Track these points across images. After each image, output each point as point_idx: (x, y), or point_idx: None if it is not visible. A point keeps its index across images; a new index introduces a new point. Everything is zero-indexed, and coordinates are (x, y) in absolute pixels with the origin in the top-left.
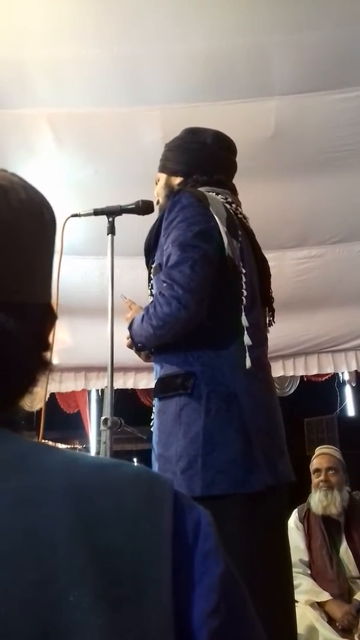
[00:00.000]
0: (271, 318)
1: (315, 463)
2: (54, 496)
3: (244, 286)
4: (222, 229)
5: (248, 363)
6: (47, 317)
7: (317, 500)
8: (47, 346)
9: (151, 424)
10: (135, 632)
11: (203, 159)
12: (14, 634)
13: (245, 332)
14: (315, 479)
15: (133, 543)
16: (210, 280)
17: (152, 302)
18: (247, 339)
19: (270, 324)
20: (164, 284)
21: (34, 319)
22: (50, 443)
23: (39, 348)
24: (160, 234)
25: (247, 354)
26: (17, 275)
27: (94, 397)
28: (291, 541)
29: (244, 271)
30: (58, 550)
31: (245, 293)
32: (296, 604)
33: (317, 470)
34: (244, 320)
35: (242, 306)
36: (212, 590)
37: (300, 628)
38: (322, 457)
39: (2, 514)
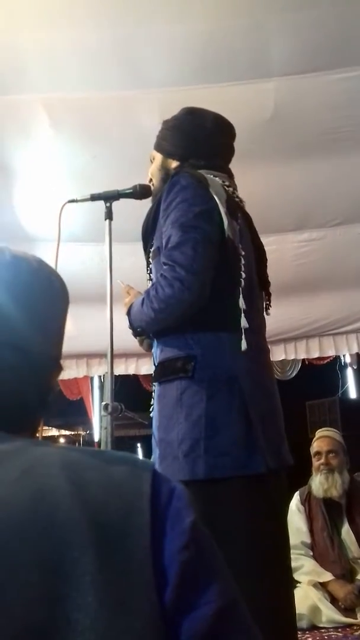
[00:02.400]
0: (268, 302)
1: (315, 446)
2: (52, 470)
3: (243, 268)
4: (222, 210)
5: (244, 345)
6: (53, 368)
7: (318, 483)
8: (51, 391)
9: (151, 409)
10: (121, 566)
11: (201, 143)
12: (26, 568)
13: (242, 315)
14: (315, 462)
15: (118, 501)
16: (212, 262)
17: (152, 284)
18: (244, 322)
19: (267, 308)
20: (165, 266)
21: (39, 366)
22: (53, 430)
23: (40, 390)
24: (158, 216)
25: (243, 337)
26: (25, 325)
27: (96, 383)
28: (293, 524)
29: (242, 253)
30: (58, 509)
31: (243, 275)
32: (299, 584)
33: (318, 453)
34: (242, 303)
35: (240, 288)
36: (183, 533)
37: (304, 608)
38: (322, 440)
39: (12, 485)
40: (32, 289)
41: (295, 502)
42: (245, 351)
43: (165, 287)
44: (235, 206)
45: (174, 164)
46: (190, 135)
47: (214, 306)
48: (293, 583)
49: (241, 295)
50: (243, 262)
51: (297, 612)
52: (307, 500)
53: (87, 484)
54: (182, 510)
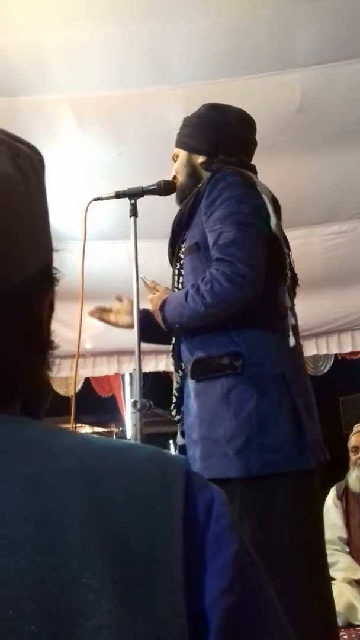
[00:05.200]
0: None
1: (353, 440)
2: (64, 480)
3: (288, 267)
4: (270, 208)
5: (292, 342)
6: (40, 287)
7: (354, 477)
8: (42, 325)
9: (172, 407)
10: (146, 612)
11: (227, 138)
12: (26, 616)
13: (289, 312)
14: (353, 457)
15: (144, 524)
16: (265, 259)
17: (203, 279)
18: (291, 319)
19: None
20: (222, 262)
21: (23, 302)
22: (65, 427)
23: (28, 326)
24: (195, 212)
25: (291, 333)
26: (11, 262)
27: (127, 380)
28: (329, 519)
29: (287, 251)
30: (69, 534)
31: (289, 273)
32: (334, 581)
33: (355, 447)
34: (287, 301)
35: (286, 286)
36: (226, 569)
37: (339, 605)
38: (359, 434)
39: (14, 501)
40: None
41: (331, 497)
42: (289, 348)
43: (224, 282)
44: (278, 205)
45: (200, 159)
46: (216, 131)
47: (259, 304)
48: (329, 572)
49: (286, 293)
50: (288, 260)
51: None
52: (344, 495)
53: (107, 500)
54: (223, 534)
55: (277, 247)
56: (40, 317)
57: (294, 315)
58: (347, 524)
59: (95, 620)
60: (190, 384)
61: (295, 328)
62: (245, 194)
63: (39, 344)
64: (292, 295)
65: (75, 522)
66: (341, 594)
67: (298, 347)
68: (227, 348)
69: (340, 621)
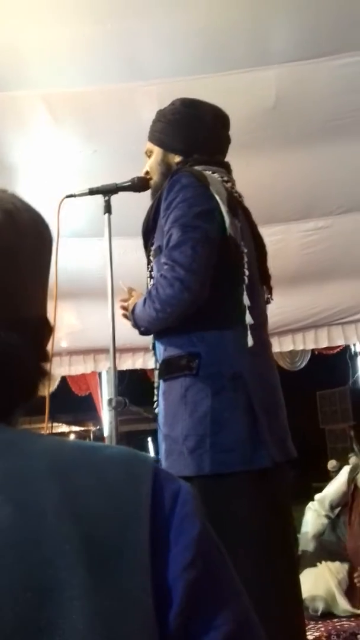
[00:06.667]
0: (269, 295)
1: None
2: (40, 474)
3: (246, 266)
4: (224, 209)
5: (250, 342)
6: (44, 328)
7: None
8: (46, 357)
9: (155, 405)
10: (114, 587)
11: (203, 137)
12: (4, 594)
13: (247, 311)
14: None
15: (113, 509)
16: (212, 261)
17: (153, 284)
18: (248, 318)
19: (268, 302)
20: (165, 266)
21: (32, 332)
22: (41, 427)
23: (38, 359)
24: (159, 215)
25: (249, 333)
26: (19, 294)
27: (104, 378)
28: (334, 484)
29: (245, 250)
30: (45, 520)
31: (247, 273)
32: (319, 564)
33: None
34: (246, 300)
35: (244, 285)
36: (189, 547)
37: (320, 589)
38: None
39: None
40: (11, 241)
41: (343, 476)
42: (250, 347)
43: (166, 287)
44: (236, 203)
45: (177, 158)
46: (192, 130)
47: (217, 304)
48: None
49: (245, 293)
50: (245, 259)
51: (313, 593)
52: (353, 481)
53: (78, 491)
54: (187, 518)
55: (233, 247)
56: (46, 351)
57: (259, 313)
58: (350, 507)
59: (68, 593)
60: (160, 383)
61: (256, 327)
62: (196, 195)
63: (43, 370)
64: (261, 293)
65: (49, 508)
66: (323, 578)
67: (261, 345)
68: (186, 349)
69: (320, 606)
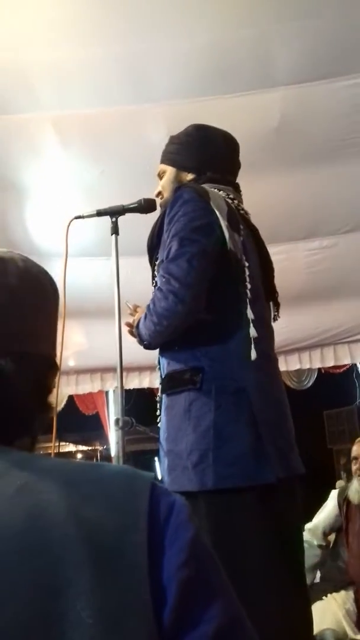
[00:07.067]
0: (276, 313)
1: (353, 450)
2: (50, 486)
3: (248, 279)
4: (223, 223)
5: (253, 355)
6: (48, 367)
7: (354, 490)
8: (49, 392)
9: (158, 420)
10: (116, 584)
11: (215, 158)
12: (18, 590)
13: (251, 325)
14: (353, 467)
15: (114, 517)
16: (208, 275)
17: (152, 298)
18: (252, 331)
19: (275, 319)
20: (162, 278)
21: (34, 368)
22: (48, 445)
23: (38, 393)
24: (163, 230)
25: (253, 346)
26: (16, 329)
27: (111, 397)
28: (324, 510)
29: (247, 264)
30: (54, 525)
31: (249, 286)
32: (324, 597)
33: (355, 458)
34: (249, 313)
35: (247, 299)
36: (182, 550)
37: (327, 623)
38: (358, 444)
39: (6, 502)
40: (21, 290)
41: (332, 500)
42: (254, 361)
43: (161, 300)
44: (238, 219)
45: (189, 176)
46: (204, 149)
47: (220, 318)
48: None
49: (248, 306)
50: (248, 273)
51: (322, 627)
52: (345, 502)
53: (83, 500)
54: (181, 526)
55: (233, 261)
56: (49, 387)
57: (264, 327)
58: (346, 530)
59: (75, 589)
60: (163, 398)
61: (260, 340)
62: (197, 209)
63: (45, 404)
64: (266, 307)
65: (58, 517)
66: (330, 610)
67: (266, 360)
68: (189, 363)
69: (332, 638)
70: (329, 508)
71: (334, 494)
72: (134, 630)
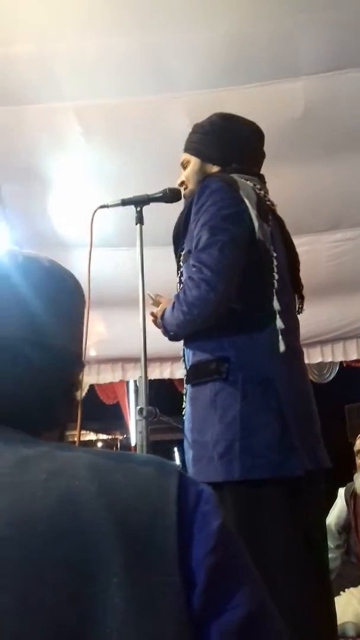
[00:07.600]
0: (301, 305)
1: (357, 444)
2: (79, 472)
3: (275, 269)
4: (253, 212)
5: (282, 347)
6: (73, 363)
7: (359, 483)
8: (74, 386)
9: (183, 411)
10: (148, 569)
11: (240, 149)
12: (52, 572)
13: (278, 316)
14: (358, 460)
15: (144, 503)
16: (239, 263)
17: (182, 287)
18: (279, 323)
19: (299, 311)
20: (193, 268)
21: (60, 361)
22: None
23: (64, 386)
24: (190, 220)
25: (280, 338)
26: (41, 323)
27: (132, 387)
28: (334, 510)
29: (274, 254)
30: (85, 510)
31: (276, 277)
32: (342, 592)
33: (358, 451)
34: (276, 304)
35: (274, 290)
36: (210, 537)
37: (350, 615)
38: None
39: (39, 487)
40: (46, 287)
41: (340, 499)
42: (281, 352)
43: (193, 289)
44: (266, 209)
45: (214, 168)
46: (229, 141)
47: (247, 308)
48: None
49: (275, 297)
50: (275, 263)
51: (342, 620)
52: (353, 497)
53: (113, 486)
54: (209, 513)
55: (262, 251)
56: (75, 385)
57: (291, 318)
58: (356, 526)
59: (107, 573)
60: (188, 388)
61: (287, 332)
62: (226, 199)
63: (72, 400)
64: (292, 299)
65: (90, 499)
66: (349, 603)
67: (292, 352)
68: (216, 353)
69: (352, 631)
70: (339, 507)
71: (341, 492)
72: (164, 613)
